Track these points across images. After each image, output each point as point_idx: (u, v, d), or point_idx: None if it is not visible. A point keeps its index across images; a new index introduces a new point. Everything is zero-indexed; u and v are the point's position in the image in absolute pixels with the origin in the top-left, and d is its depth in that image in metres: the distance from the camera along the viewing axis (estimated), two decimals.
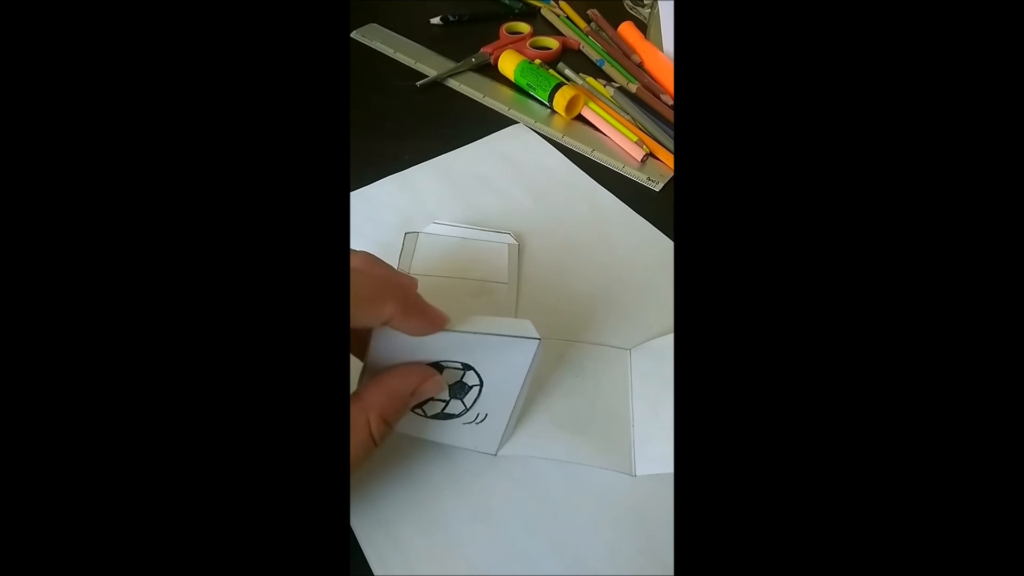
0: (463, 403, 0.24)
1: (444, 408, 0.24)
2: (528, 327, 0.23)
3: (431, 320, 0.22)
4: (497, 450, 0.26)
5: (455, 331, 0.22)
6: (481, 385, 0.24)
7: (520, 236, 0.36)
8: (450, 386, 0.24)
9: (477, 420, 0.25)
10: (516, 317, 0.32)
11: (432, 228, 0.35)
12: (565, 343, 0.31)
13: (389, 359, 0.22)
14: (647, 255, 0.36)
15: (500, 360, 0.23)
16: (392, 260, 0.33)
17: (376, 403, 0.21)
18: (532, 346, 0.23)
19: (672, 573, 0.23)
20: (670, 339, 0.30)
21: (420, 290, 0.22)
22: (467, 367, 0.23)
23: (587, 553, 0.24)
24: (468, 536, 0.24)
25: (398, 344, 0.22)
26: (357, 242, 0.35)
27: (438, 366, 0.23)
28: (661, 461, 0.26)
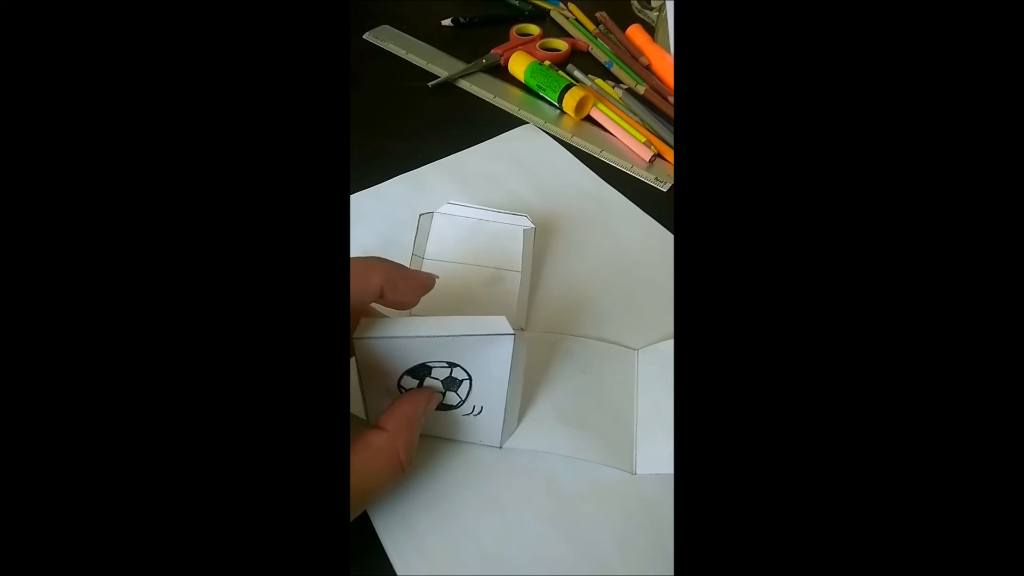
0: (458, 395, 0.25)
1: (442, 400, 0.25)
2: (502, 324, 0.22)
3: (419, 282, 0.23)
4: (501, 443, 0.27)
5: (431, 336, 0.22)
6: (470, 379, 0.24)
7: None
8: (442, 381, 0.24)
9: (474, 412, 0.25)
10: (528, 308, 0.32)
11: (447, 208, 0.35)
12: (574, 339, 0.31)
13: (378, 365, 0.23)
14: (655, 253, 0.36)
15: (481, 357, 0.23)
16: (404, 249, 0.34)
17: (401, 430, 0.23)
18: (508, 342, 0.23)
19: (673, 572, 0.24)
20: None
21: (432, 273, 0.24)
22: (453, 365, 0.24)
23: (599, 544, 0.24)
24: (482, 527, 0.24)
25: (384, 350, 0.22)
26: (368, 238, 0.36)
27: (425, 367, 0.23)
28: (661, 461, 0.27)
